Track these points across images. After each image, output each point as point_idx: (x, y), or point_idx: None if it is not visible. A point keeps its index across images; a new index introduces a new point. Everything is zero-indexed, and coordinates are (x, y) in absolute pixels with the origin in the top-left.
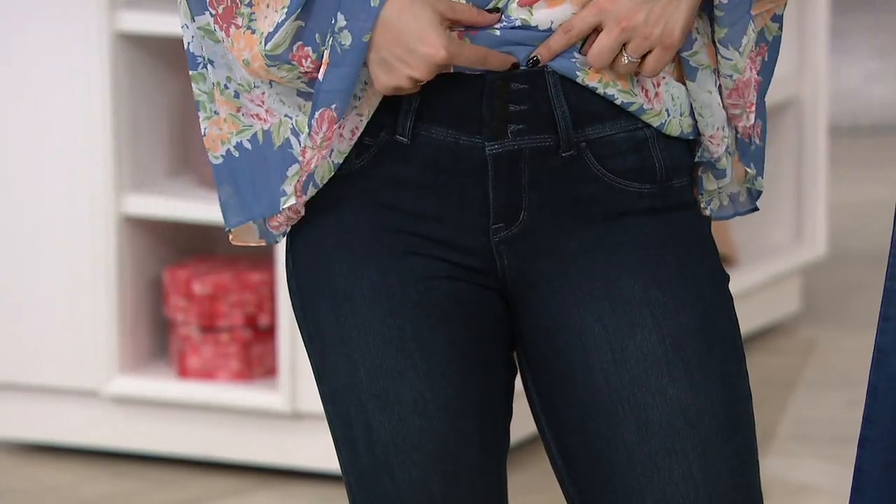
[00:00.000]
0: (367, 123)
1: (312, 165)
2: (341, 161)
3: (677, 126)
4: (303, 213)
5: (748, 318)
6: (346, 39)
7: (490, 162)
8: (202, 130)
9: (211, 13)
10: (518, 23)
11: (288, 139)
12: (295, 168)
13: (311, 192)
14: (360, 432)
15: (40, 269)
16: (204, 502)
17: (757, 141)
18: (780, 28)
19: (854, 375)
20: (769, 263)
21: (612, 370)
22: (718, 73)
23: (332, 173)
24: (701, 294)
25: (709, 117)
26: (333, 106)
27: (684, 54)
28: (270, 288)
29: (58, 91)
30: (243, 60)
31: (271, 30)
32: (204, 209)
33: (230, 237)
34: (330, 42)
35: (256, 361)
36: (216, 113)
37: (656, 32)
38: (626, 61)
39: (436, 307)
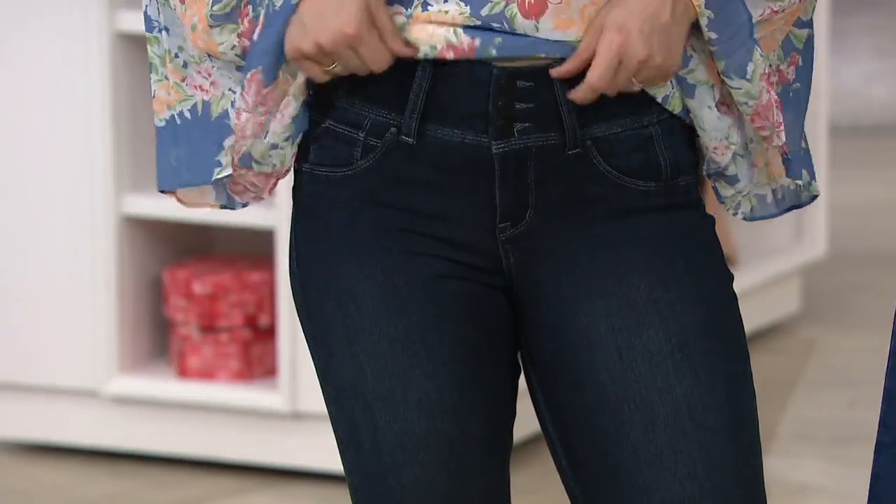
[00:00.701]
0: (372, 123)
1: (247, 132)
2: (279, 143)
3: (679, 103)
4: (265, 193)
5: (749, 318)
6: (278, 1)
7: (496, 161)
8: (151, 91)
9: None
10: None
11: (226, 110)
12: (231, 140)
13: (256, 169)
14: (365, 433)
15: (40, 270)
16: (204, 502)
17: (802, 146)
18: (811, 29)
19: (854, 375)
20: (769, 263)
21: (619, 369)
22: (721, 88)
23: (274, 156)
24: (706, 293)
25: (711, 131)
26: (261, 67)
27: (681, 73)
28: (270, 288)
29: (58, 91)
30: (191, 26)
31: None
32: (204, 209)
33: (176, 198)
34: (266, 2)
35: (256, 361)
36: (166, 77)
37: (657, 61)
38: (636, 88)
39: (442, 307)
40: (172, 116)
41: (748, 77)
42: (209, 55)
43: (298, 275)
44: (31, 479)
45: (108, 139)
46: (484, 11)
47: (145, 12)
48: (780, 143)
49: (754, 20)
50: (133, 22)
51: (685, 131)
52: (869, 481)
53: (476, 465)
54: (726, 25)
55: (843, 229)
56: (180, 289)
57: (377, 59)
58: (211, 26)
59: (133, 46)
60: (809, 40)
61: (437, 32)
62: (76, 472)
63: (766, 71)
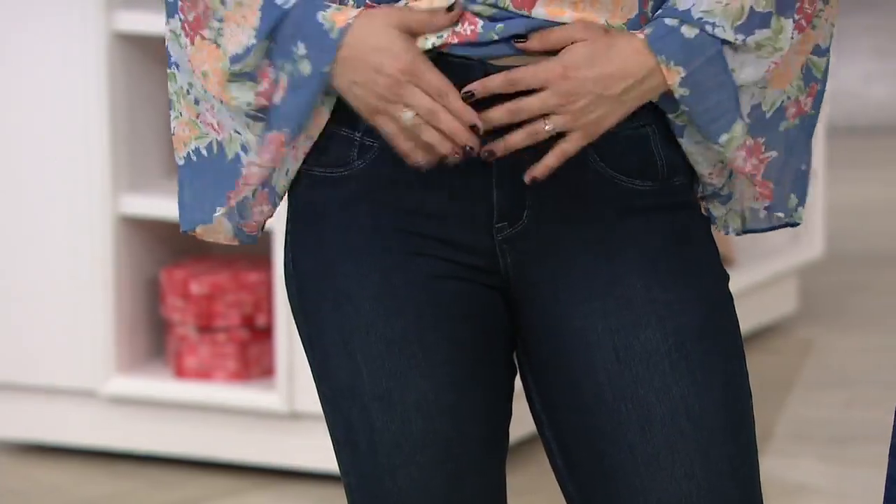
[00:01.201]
0: (369, 126)
1: (252, 181)
2: (294, 175)
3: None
4: (265, 218)
5: (746, 318)
6: (305, 69)
7: (493, 161)
8: (171, 129)
9: (181, 18)
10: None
11: (238, 154)
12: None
13: (278, 202)
14: (362, 434)
15: (38, 270)
16: (201, 502)
17: (802, 168)
18: (829, 55)
19: (851, 375)
20: (767, 264)
21: (616, 369)
22: None
23: (288, 185)
24: (703, 293)
25: (703, 162)
26: (286, 130)
27: (670, 116)
28: (268, 288)
29: (55, 91)
30: (202, 73)
31: (239, 51)
32: None
33: (196, 234)
34: (289, 68)
35: (253, 361)
36: (181, 114)
37: (584, 119)
38: (546, 128)
39: (439, 307)
40: (189, 154)
41: (721, 144)
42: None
43: (294, 276)
44: (29, 479)
45: (105, 139)
46: (476, 9)
47: (167, 47)
48: (759, 198)
49: (761, 76)
50: (130, 22)
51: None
52: (869, 482)
53: (474, 466)
54: (702, 100)
55: (841, 229)
56: (177, 289)
57: (436, 86)
58: (229, 81)
59: (130, 46)
60: (827, 67)
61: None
62: (74, 472)
63: (748, 144)
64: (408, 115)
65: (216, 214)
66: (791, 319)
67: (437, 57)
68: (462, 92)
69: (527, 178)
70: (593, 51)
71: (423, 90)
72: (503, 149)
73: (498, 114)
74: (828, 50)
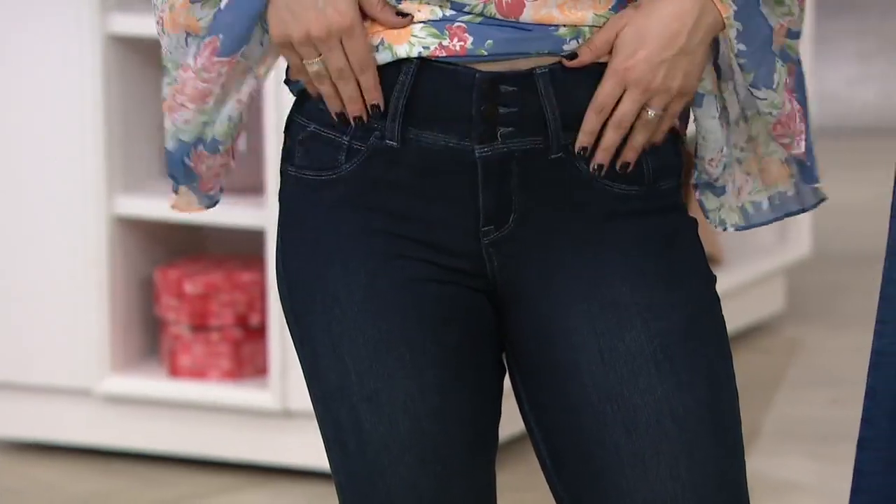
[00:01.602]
0: (357, 130)
1: (184, 95)
2: (238, 123)
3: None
4: (232, 163)
5: (733, 318)
6: None
7: (480, 165)
8: (163, 94)
9: None
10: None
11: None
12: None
13: (222, 150)
14: (351, 434)
15: (33, 270)
16: (195, 500)
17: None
18: (799, 37)
19: (838, 374)
20: (754, 263)
21: (601, 371)
22: (720, 99)
23: (229, 138)
24: (688, 295)
25: (711, 142)
26: (220, 36)
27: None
28: (261, 287)
29: (50, 93)
30: (170, 6)
31: None
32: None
33: (172, 206)
34: None
35: (247, 360)
36: (176, 80)
37: (675, 86)
38: (651, 115)
39: (425, 309)
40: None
41: (774, 87)
42: (187, 33)
43: (285, 278)
44: (24, 477)
45: (100, 141)
46: (465, 10)
47: (155, 9)
48: (800, 152)
49: (774, 30)
50: (124, 25)
51: (668, 136)
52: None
53: (461, 467)
54: (753, 38)
55: (827, 229)
56: (172, 289)
57: (360, 56)
58: (192, 2)
59: (124, 49)
60: (798, 56)
61: (420, 32)
62: (69, 470)
63: (787, 82)
64: (317, 66)
65: (170, 174)
66: (778, 319)
67: (422, 63)
68: (577, 149)
69: (627, 159)
70: (636, 28)
71: (344, 51)
72: (630, 158)
73: (606, 137)
74: (799, 33)
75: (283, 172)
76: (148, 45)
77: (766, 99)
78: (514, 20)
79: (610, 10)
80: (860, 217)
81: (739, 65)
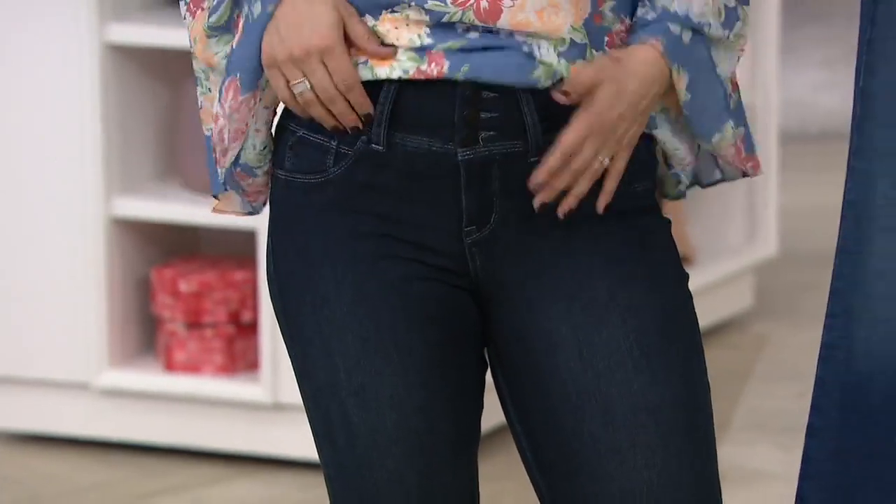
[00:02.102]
0: (344, 135)
1: (225, 137)
2: (263, 149)
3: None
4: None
5: (704, 314)
6: (257, 9)
7: (462, 168)
8: (199, 103)
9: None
10: (481, 30)
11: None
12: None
13: (259, 175)
14: (339, 429)
15: (35, 269)
16: (190, 489)
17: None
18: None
19: (804, 369)
20: (723, 263)
21: (579, 366)
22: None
23: (262, 162)
24: (663, 294)
25: (679, 157)
26: (238, 75)
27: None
28: (253, 286)
29: (51, 100)
30: (193, 40)
31: (213, 3)
32: (189, 211)
33: (213, 209)
34: (247, 11)
35: (239, 356)
36: (209, 90)
37: (625, 141)
38: (599, 164)
39: (412, 308)
40: (212, 127)
41: (713, 143)
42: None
43: (276, 279)
44: (25, 467)
45: (99, 145)
46: (444, 20)
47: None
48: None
49: (734, 67)
50: (121, 34)
51: (642, 138)
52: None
53: (446, 458)
54: (699, 102)
55: (794, 230)
56: (167, 287)
57: (344, 75)
58: (208, 37)
59: (121, 57)
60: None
61: (401, 56)
62: (69, 461)
63: (737, 143)
64: (301, 87)
65: (221, 182)
66: (747, 315)
67: (400, 82)
68: (531, 185)
69: (600, 207)
70: (616, 89)
71: (328, 70)
72: (572, 204)
73: (559, 178)
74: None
75: (273, 176)
76: (144, 53)
77: (710, 147)
78: (491, 25)
79: (583, 25)
80: (825, 218)
81: (690, 127)
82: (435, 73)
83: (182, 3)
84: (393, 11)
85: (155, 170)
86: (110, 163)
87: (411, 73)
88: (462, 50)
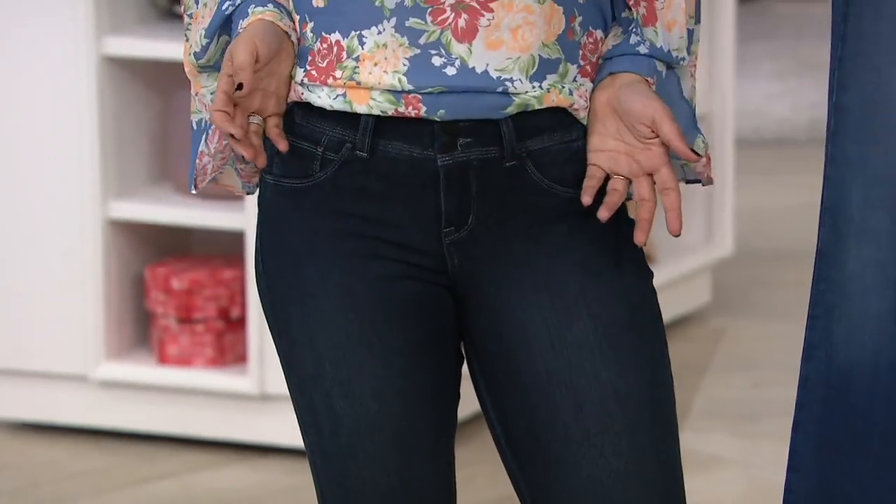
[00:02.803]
0: (329, 140)
1: (209, 171)
2: (252, 167)
3: None
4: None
5: (664, 309)
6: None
7: (441, 172)
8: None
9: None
10: (458, 63)
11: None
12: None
13: (242, 164)
14: (324, 417)
15: (36, 267)
16: (182, 474)
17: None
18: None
19: (758, 360)
20: (683, 261)
21: (551, 357)
22: None
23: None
24: (630, 289)
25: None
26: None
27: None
28: (241, 283)
29: (52, 108)
30: (187, 54)
31: (197, 49)
32: (181, 213)
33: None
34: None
35: (228, 349)
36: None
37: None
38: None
39: (393, 304)
40: (191, 123)
41: (683, 162)
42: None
43: (264, 276)
44: (26, 455)
45: (96, 151)
46: (421, 40)
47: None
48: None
49: (693, 83)
50: (117, 47)
51: None
52: (774, 453)
53: (425, 444)
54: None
55: (749, 230)
56: (160, 284)
57: (238, 62)
58: (199, 72)
59: (117, 69)
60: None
61: (379, 97)
62: (67, 449)
63: (706, 153)
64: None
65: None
66: (704, 310)
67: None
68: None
69: (602, 216)
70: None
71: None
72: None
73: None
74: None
75: (262, 180)
76: (138, 65)
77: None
78: (467, 44)
79: (555, 41)
80: (777, 219)
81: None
82: (413, 114)
83: (186, 23)
84: (377, 31)
85: (148, 174)
86: (106, 168)
87: (389, 112)
88: (439, 95)
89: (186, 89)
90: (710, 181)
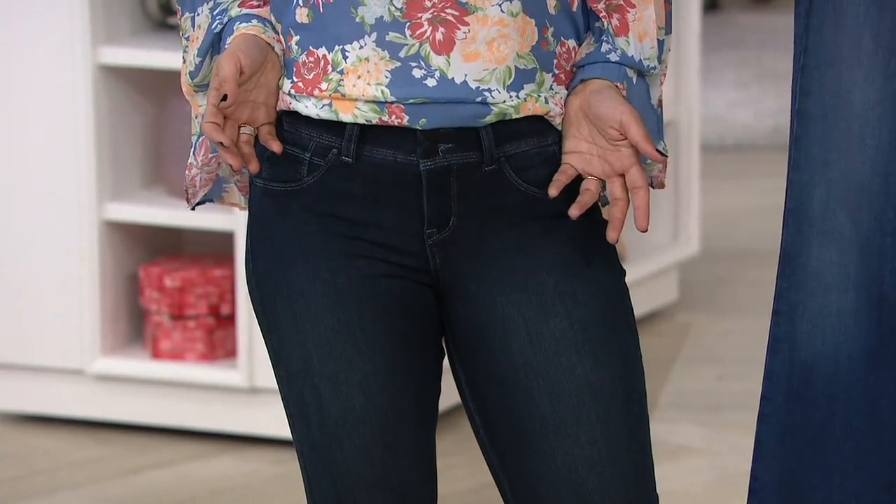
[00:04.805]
0: (316, 146)
1: (197, 184)
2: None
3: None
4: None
5: (635, 305)
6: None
7: (423, 177)
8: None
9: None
10: (437, 74)
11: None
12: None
13: (237, 182)
14: (312, 410)
15: (35, 267)
16: (175, 464)
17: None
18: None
19: (723, 354)
20: (652, 260)
21: (529, 351)
22: None
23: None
24: (604, 286)
25: None
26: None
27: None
28: (231, 282)
29: (49, 115)
30: (184, 73)
31: (192, 69)
32: (173, 215)
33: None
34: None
35: (219, 344)
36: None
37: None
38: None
39: (378, 302)
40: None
41: (647, 162)
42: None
43: (254, 275)
44: (25, 445)
45: (92, 156)
46: (402, 54)
47: None
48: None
49: (661, 91)
50: (112, 56)
51: None
52: (739, 443)
53: (408, 435)
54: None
55: (714, 231)
56: (154, 283)
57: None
58: (195, 91)
59: (112, 77)
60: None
61: (363, 107)
62: (65, 440)
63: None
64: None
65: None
66: (672, 307)
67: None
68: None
69: (573, 214)
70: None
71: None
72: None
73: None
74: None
75: (251, 184)
76: (132, 73)
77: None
78: (445, 55)
79: (530, 51)
80: (741, 220)
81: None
82: (396, 123)
83: (183, 40)
84: (358, 46)
85: (142, 178)
86: (102, 171)
87: (374, 121)
88: (421, 105)
89: (178, 97)
90: (661, 185)
